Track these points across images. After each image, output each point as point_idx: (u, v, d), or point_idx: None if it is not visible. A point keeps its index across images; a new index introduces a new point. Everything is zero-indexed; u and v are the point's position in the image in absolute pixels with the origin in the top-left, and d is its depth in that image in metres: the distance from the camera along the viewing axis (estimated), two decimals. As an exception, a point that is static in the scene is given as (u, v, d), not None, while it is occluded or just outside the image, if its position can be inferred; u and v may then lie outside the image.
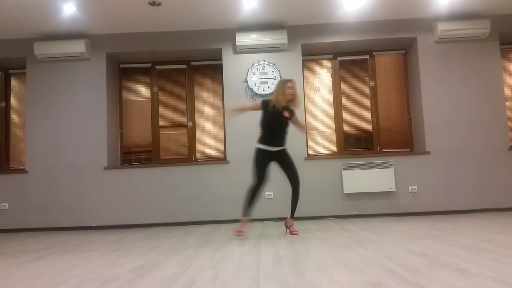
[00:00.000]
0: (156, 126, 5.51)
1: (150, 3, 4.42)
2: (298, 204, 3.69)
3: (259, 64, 5.17)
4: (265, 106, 3.65)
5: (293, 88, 3.63)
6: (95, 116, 5.16)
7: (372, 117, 5.42)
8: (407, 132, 5.42)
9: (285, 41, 5.03)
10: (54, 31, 5.02)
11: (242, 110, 4.03)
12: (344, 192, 4.94)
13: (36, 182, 5.08)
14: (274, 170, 5.09)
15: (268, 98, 3.87)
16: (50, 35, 5.12)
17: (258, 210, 4.89)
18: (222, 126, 5.38)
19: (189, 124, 5.50)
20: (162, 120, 5.53)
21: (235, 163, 5.04)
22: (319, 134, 3.50)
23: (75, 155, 5.10)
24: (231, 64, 5.21)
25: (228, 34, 5.19)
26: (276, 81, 5.11)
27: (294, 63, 5.18)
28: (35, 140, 5.14)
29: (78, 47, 5.05)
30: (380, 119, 5.42)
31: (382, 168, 4.93)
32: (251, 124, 5.09)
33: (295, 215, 3.73)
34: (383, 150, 5.34)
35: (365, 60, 5.51)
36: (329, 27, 5.18)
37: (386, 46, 5.44)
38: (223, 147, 5.36)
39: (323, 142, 5.38)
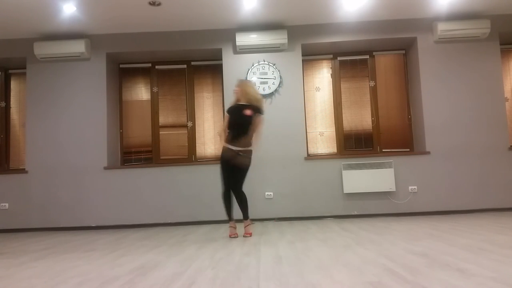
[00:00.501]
0: (156, 126, 5.51)
1: (150, 3, 4.42)
2: (248, 205, 3.75)
3: (259, 64, 5.17)
4: (229, 110, 3.84)
5: (236, 88, 3.87)
6: (95, 116, 5.16)
7: (372, 117, 5.42)
8: (407, 132, 5.42)
9: (285, 41, 5.03)
10: (54, 31, 5.02)
11: (224, 131, 3.85)
12: (344, 192, 4.94)
13: (36, 182, 5.08)
14: (274, 171, 5.12)
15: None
16: (50, 35, 5.12)
17: (258, 210, 4.91)
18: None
19: (189, 124, 5.50)
20: (162, 120, 5.53)
21: (235, 163, 5.03)
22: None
23: (75, 155, 5.10)
24: (231, 64, 5.21)
25: (228, 34, 5.19)
26: (276, 81, 5.13)
27: (294, 63, 5.18)
28: (35, 140, 5.14)
29: (78, 47, 5.05)
30: (380, 119, 5.42)
31: (382, 168, 4.93)
32: (251, 124, 5.11)
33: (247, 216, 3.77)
34: (383, 150, 5.34)
35: (365, 60, 5.51)
36: (329, 27, 5.18)
37: (386, 46, 5.44)
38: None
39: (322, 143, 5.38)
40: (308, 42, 5.20)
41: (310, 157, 5.15)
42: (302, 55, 5.26)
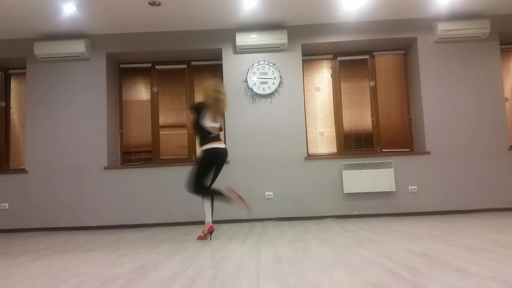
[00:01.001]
0: (156, 126, 5.51)
1: (150, 3, 4.42)
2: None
3: (259, 64, 5.17)
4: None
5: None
6: (95, 116, 5.16)
7: (372, 117, 5.42)
8: (407, 132, 5.42)
9: (285, 41, 5.03)
10: (54, 31, 5.02)
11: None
12: (344, 192, 4.94)
13: (36, 182, 5.08)
14: (274, 171, 5.12)
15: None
16: (50, 35, 5.12)
17: (258, 210, 4.92)
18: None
19: (189, 124, 5.49)
20: (162, 120, 5.53)
21: (235, 163, 5.04)
22: None
23: (75, 155, 5.10)
24: (231, 64, 5.21)
25: (228, 34, 5.19)
26: (276, 81, 5.13)
27: (294, 63, 5.18)
28: (35, 140, 5.14)
29: (78, 47, 5.05)
30: (380, 119, 5.42)
31: (382, 168, 4.93)
32: (251, 125, 5.11)
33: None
34: (383, 150, 5.35)
35: (365, 60, 5.51)
36: (329, 27, 5.18)
37: (386, 46, 5.44)
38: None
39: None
40: (308, 42, 5.20)
41: (310, 157, 5.15)
42: (302, 55, 5.26)
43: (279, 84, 5.12)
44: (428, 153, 5.02)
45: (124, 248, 3.30)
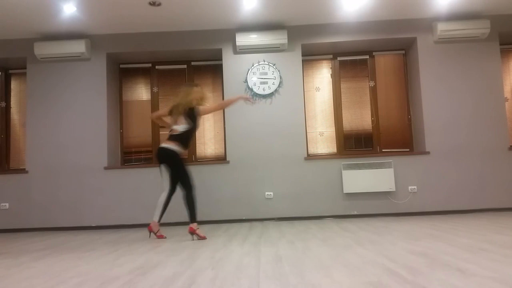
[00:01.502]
0: (156, 126, 5.51)
1: (150, 3, 4.42)
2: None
3: (259, 64, 5.17)
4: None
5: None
6: (95, 116, 5.16)
7: (372, 117, 5.43)
8: (407, 132, 5.42)
9: (285, 41, 5.04)
10: (54, 31, 5.02)
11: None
12: (344, 192, 4.94)
13: (36, 182, 5.08)
14: (274, 171, 5.12)
15: None
16: (50, 35, 5.12)
17: (258, 210, 4.92)
18: (222, 126, 5.41)
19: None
20: (162, 120, 5.53)
21: (235, 163, 5.04)
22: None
23: (75, 155, 5.11)
24: (231, 64, 5.21)
25: (228, 34, 5.19)
26: (276, 81, 5.13)
27: (294, 63, 5.18)
28: (36, 140, 5.14)
29: (78, 47, 5.05)
30: (380, 119, 5.42)
31: (382, 168, 4.93)
32: (251, 125, 5.11)
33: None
34: (383, 150, 5.35)
35: (365, 60, 5.52)
36: (329, 27, 5.18)
37: (386, 46, 5.44)
38: (223, 147, 5.37)
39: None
40: (308, 42, 5.20)
41: (310, 157, 5.15)
42: (302, 55, 5.26)
43: (279, 84, 5.13)
44: (428, 153, 5.02)
45: (124, 248, 3.31)
